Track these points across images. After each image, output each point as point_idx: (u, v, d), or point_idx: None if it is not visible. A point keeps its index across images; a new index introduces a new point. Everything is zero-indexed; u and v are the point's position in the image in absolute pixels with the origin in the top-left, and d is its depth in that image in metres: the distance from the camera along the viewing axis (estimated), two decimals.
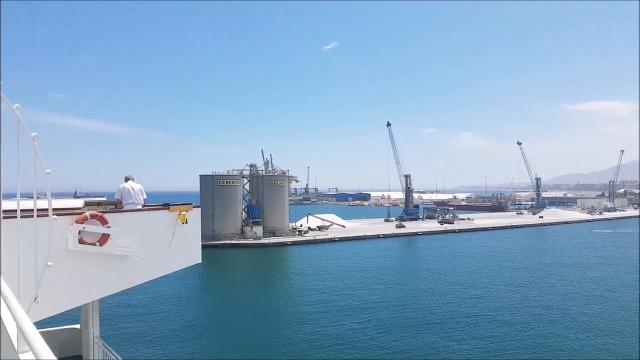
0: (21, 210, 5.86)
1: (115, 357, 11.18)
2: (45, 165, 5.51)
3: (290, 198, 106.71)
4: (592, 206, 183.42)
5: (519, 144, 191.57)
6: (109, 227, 8.95)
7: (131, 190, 11.19)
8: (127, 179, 11.52)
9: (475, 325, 37.29)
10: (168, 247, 10.23)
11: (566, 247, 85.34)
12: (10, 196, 6.50)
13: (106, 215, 9.02)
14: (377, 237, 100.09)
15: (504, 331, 35.74)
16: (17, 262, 5.68)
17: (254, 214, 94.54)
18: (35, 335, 2.22)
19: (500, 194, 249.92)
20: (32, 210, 6.09)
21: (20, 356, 2.42)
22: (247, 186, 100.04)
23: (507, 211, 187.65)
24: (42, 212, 6.40)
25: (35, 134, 5.23)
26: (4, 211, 5.81)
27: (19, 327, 2.46)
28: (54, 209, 6.26)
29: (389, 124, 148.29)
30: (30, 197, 7.34)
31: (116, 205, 11.04)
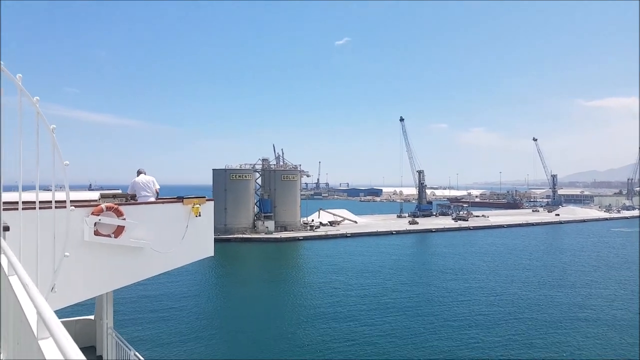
0: (40, 202, 5.99)
1: (128, 348, 11.37)
2: (62, 157, 5.62)
3: (302, 193, 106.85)
4: (610, 204, 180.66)
5: (535, 140, 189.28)
6: (124, 219, 9.10)
7: (143, 184, 11.39)
8: (139, 173, 11.70)
9: (491, 325, 36.82)
10: (181, 240, 10.36)
11: (585, 246, 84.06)
12: (28, 188, 6.64)
13: (121, 208, 9.16)
14: (390, 233, 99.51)
15: (521, 331, 35.27)
16: (35, 252, 5.81)
17: (265, 208, 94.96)
18: (55, 322, 2.29)
19: (516, 190, 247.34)
20: (50, 201, 6.22)
21: (40, 342, 2.49)
22: (259, 180, 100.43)
23: (523, 208, 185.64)
24: (60, 204, 6.53)
25: (54, 126, 5.33)
26: (24, 202, 5.95)
27: (39, 314, 2.54)
28: (71, 201, 6.38)
29: (402, 119, 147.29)
30: (47, 188, 7.49)
31: (130, 199, 11.20)
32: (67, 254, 5.93)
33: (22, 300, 3.33)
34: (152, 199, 11.25)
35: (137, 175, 11.65)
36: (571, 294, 47.51)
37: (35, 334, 2.59)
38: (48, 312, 2.46)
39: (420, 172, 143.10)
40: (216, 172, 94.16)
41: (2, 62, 5.12)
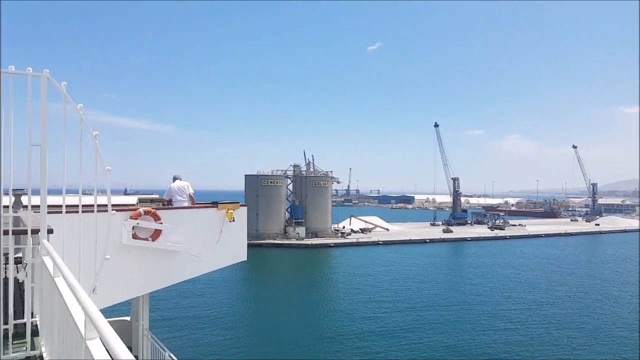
0: (82, 206, 6.18)
1: (163, 349, 11.56)
2: (104, 163, 5.79)
3: (332, 199, 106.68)
4: None
5: (574, 147, 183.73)
6: (161, 223, 9.28)
7: (178, 190, 11.67)
8: (174, 179, 11.96)
9: (532, 341, 35.47)
10: (216, 244, 10.50)
11: (629, 256, 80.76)
12: (71, 192, 6.87)
13: (159, 212, 9.36)
14: (424, 241, 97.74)
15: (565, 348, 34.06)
16: (78, 255, 5.99)
17: (297, 214, 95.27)
18: (103, 323, 2.35)
19: (553, 199, 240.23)
20: (92, 205, 6.41)
21: (88, 342, 2.55)
22: (290, 186, 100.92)
23: (560, 217, 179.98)
24: (101, 208, 6.72)
25: (97, 132, 5.51)
26: (67, 206, 6.15)
27: (87, 315, 2.60)
28: (111, 205, 6.56)
29: (436, 125, 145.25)
30: (87, 192, 7.73)
31: (168, 204, 11.47)
32: (108, 256, 6.10)
33: (69, 301, 3.42)
34: (187, 204, 11.48)
35: (173, 181, 11.91)
36: (618, 307, 45.45)
37: (83, 334, 2.65)
38: (96, 313, 2.52)
39: (455, 180, 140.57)
40: (248, 178, 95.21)
41: (47, 70, 5.33)
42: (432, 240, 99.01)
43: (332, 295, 50.30)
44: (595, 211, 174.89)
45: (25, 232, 5.93)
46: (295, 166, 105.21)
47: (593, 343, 35.32)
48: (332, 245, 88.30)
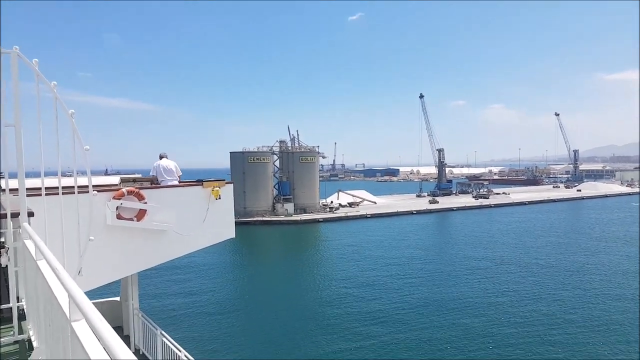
0: (62, 187, 6.04)
1: (155, 327, 11.61)
2: (82, 142, 5.63)
3: (319, 175, 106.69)
4: (632, 179, 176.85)
5: (557, 115, 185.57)
6: (145, 202, 9.18)
7: (165, 169, 11.45)
8: (161, 157, 11.76)
9: (521, 306, 36.04)
10: (202, 222, 10.46)
11: (612, 221, 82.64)
12: (50, 173, 6.72)
13: (142, 192, 9.25)
14: (411, 213, 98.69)
15: (554, 313, 34.56)
16: (61, 237, 5.89)
17: (284, 190, 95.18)
18: (88, 304, 2.30)
19: (535, 167, 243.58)
20: (73, 187, 6.28)
21: (73, 324, 2.51)
22: (277, 163, 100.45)
23: (543, 185, 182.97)
24: (82, 189, 6.59)
25: (73, 111, 5.33)
26: (46, 188, 6.02)
27: (71, 297, 2.55)
28: (93, 186, 6.43)
29: (421, 96, 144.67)
30: (66, 174, 7.57)
31: (152, 182, 11.30)
32: (91, 238, 6.01)
33: (52, 284, 3.36)
34: (174, 183, 11.35)
35: (160, 159, 11.71)
36: (610, 273, 46.34)
37: (68, 316, 2.61)
38: (80, 295, 2.47)
39: (440, 151, 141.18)
40: (234, 155, 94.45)
41: (17, 47, 5.12)
42: (419, 212, 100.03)
43: (324, 270, 50.67)
44: (576, 177, 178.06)
45: (4, 216, 5.81)
46: (281, 142, 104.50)
47: (587, 299, 36.54)
48: (321, 220, 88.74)
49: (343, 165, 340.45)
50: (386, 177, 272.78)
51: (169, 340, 11.05)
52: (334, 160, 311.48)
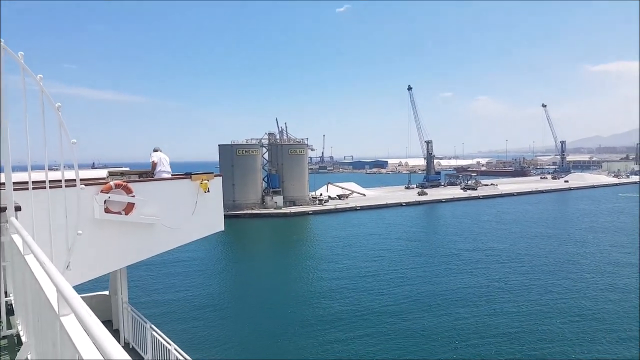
0: (50, 181, 6.00)
1: (144, 321, 11.59)
2: (69, 136, 5.59)
3: (308, 167, 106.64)
4: (619, 169, 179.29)
5: (544, 106, 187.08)
6: (133, 196, 9.13)
7: (165, 159, 11.63)
8: (155, 150, 11.82)
9: (512, 297, 36.37)
10: (191, 215, 10.44)
11: (600, 212, 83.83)
12: (37, 167, 6.66)
13: (130, 185, 9.19)
14: (400, 205, 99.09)
15: (546, 303, 35.05)
16: (49, 231, 5.86)
17: (274, 183, 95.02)
18: (76, 299, 2.31)
19: (523, 158, 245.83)
20: (60, 180, 6.23)
21: (62, 319, 2.51)
22: (266, 155, 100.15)
23: (530, 176, 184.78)
24: (69, 183, 6.54)
25: (60, 104, 5.29)
26: (33, 182, 5.97)
27: (59, 291, 2.55)
28: (80, 179, 6.39)
29: (410, 88, 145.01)
30: (53, 167, 7.51)
31: (151, 170, 11.39)
32: (79, 232, 5.98)
33: (40, 279, 3.35)
34: (168, 176, 11.39)
35: (154, 152, 11.80)
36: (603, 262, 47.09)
37: (57, 311, 2.61)
38: (68, 289, 2.48)
39: (428, 142, 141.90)
40: (222, 148, 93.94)
41: (1, 40, 5.05)
42: (408, 204, 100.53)
43: (314, 262, 50.73)
44: (564, 168, 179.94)
45: None
46: (270, 134, 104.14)
47: (578, 289, 37.17)
48: (311, 212, 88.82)
49: (331, 157, 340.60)
50: (375, 169, 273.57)
51: (158, 334, 11.04)
52: (322, 153, 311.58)
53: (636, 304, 33.23)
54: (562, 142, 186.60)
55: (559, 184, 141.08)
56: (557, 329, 29.45)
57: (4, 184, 5.66)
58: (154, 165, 11.40)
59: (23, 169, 6.21)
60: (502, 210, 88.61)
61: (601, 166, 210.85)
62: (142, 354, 11.62)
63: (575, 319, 31.12)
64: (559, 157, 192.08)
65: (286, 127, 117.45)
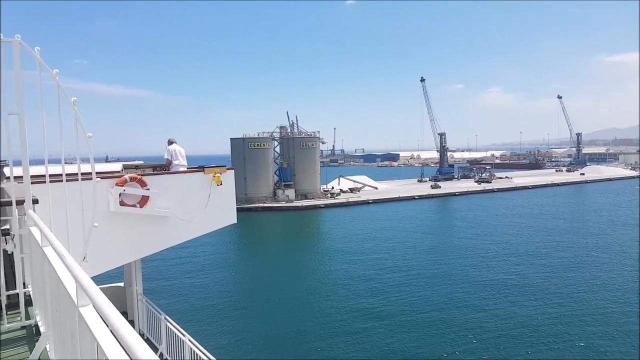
0: (66, 174, 6.09)
1: (159, 312, 11.74)
2: (85, 130, 5.66)
3: (319, 160, 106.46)
4: (636, 162, 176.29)
5: (559, 97, 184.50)
6: (148, 189, 9.23)
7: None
8: (170, 142, 11.85)
9: (532, 292, 35.77)
10: (205, 208, 10.52)
11: (619, 205, 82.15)
12: (53, 161, 6.76)
13: (145, 178, 9.29)
14: (412, 198, 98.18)
15: (568, 295, 34.71)
16: (66, 224, 5.95)
17: (285, 177, 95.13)
18: (95, 290, 2.36)
19: (538, 150, 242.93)
20: (76, 174, 6.32)
21: (81, 310, 2.56)
22: (277, 149, 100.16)
23: (545, 169, 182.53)
24: (85, 176, 6.64)
25: (75, 98, 5.35)
26: (50, 175, 6.07)
27: (78, 283, 2.61)
28: (96, 173, 6.47)
29: (423, 80, 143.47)
30: (69, 161, 7.62)
31: (166, 167, 11.47)
32: (96, 224, 6.07)
33: (59, 270, 3.42)
34: (185, 169, 11.48)
35: (169, 144, 11.82)
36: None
37: (76, 301, 2.66)
38: (87, 281, 2.53)
39: (441, 135, 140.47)
40: (234, 142, 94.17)
41: (19, 36, 5.12)
42: (421, 197, 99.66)
43: (327, 256, 50.57)
44: (579, 161, 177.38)
45: (10, 203, 5.86)
46: (281, 128, 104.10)
47: (599, 284, 36.61)
48: (323, 206, 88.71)
49: (342, 150, 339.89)
50: (386, 162, 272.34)
51: (173, 325, 11.19)
52: (333, 146, 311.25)
53: None
54: (578, 134, 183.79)
55: (574, 176, 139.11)
56: (577, 323, 29.17)
57: (21, 177, 5.76)
58: (169, 162, 11.49)
59: (40, 162, 6.31)
60: (519, 203, 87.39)
61: (617, 158, 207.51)
62: (157, 345, 11.79)
63: (596, 316, 30.60)
64: (574, 149, 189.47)
65: (297, 120, 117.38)
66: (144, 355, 1.56)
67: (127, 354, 1.70)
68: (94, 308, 2.40)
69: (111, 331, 2.03)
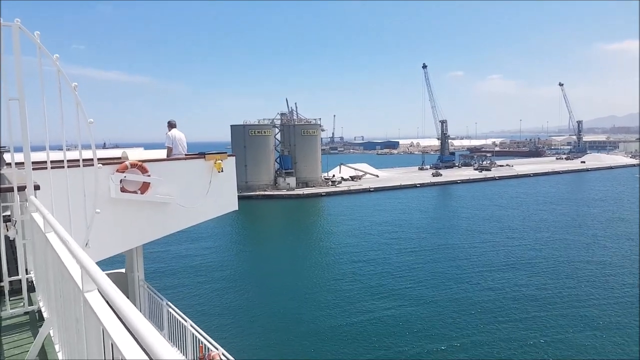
0: (67, 160, 6.07)
1: (161, 298, 11.81)
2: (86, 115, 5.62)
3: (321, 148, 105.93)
4: (636, 149, 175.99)
5: (561, 85, 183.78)
6: (149, 175, 9.22)
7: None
8: (170, 125, 11.77)
9: (536, 281, 35.56)
10: (206, 195, 10.52)
11: (623, 194, 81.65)
12: (54, 147, 6.74)
13: (146, 164, 9.27)
14: (414, 186, 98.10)
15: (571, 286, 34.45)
16: (67, 210, 5.95)
17: (286, 164, 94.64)
18: (101, 275, 2.35)
19: (538, 138, 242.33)
20: (77, 160, 6.30)
21: (86, 295, 2.55)
22: (278, 136, 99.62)
23: (545, 156, 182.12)
24: (86, 162, 6.62)
25: (76, 84, 5.31)
26: (51, 161, 6.04)
27: (83, 268, 2.60)
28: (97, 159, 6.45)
29: (424, 66, 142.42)
30: (69, 147, 7.59)
31: (167, 154, 11.45)
32: (98, 210, 6.06)
33: (63, 256, 3.41)
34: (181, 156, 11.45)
35: (169, 128, 11.75)
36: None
37: (81, 287, 2.65)
38: (92, 266, 2.52)
39: (443, 122, 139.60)
40: (234, 129, 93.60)
41: (18, 20, 5.06)
42: (422, 185, 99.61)
43: (329, 243, 50.59)
44: (580, 149, 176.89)
45: (11, 189, 5.85)
46: (282, 115, 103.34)
47: (604, 274, 36.58)
48: (324, 194, 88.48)
49: (342, 138, 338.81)
50: (386, 150, 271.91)
51: (174, 311, 11.26)
52: (332, 134, 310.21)
53: None
54: (579, 122, 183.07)
55: (575, 164, 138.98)
56: (580, 313, 29.25)
57: (23, 163, 5.73)
58: (170, 151, 11.45)
59: (41, 148, 6.28)
60: (521, 191, 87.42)
61: (617, 146, 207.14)
62: (159, 330, 11.87)
63: (600, 305, 30.60)
64: (574, 137, 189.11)
65: (296, 107, 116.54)
66: (152, 338, 1.55)
67: (134, 338, 1.70)
68: (99, 293, 2.39)
69: (117, 316, 2.02)
